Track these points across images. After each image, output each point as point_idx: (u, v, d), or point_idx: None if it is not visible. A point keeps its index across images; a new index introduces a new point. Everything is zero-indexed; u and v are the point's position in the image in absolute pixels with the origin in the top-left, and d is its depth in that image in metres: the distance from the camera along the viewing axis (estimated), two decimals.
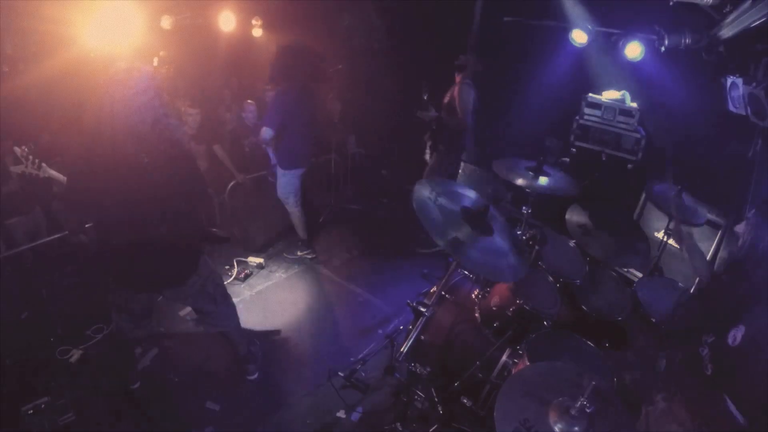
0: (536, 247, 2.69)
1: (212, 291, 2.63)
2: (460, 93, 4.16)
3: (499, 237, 2.21)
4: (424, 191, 2.19)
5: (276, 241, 4.67)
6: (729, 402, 1.45)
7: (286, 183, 4.07)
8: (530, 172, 2.91)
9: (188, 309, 3.53)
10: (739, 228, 1.79)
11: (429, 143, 4.50)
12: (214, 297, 2.65)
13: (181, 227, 2.30)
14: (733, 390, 1.51)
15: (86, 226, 2.31)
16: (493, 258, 2.12)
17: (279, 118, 3.72)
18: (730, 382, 1.54)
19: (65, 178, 2.34)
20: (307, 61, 3.77)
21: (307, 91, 3.84)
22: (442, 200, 2.19)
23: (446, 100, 4.25)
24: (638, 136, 3.99)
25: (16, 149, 2.26)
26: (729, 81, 3.13)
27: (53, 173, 2.36)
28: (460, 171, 4.73)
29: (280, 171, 4.05)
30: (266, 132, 3.71)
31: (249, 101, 5.09)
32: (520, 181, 2.90)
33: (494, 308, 2.65)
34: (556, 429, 1.54)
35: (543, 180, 2.91)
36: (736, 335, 1.54)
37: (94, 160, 2.07)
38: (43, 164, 2.31)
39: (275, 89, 3.91)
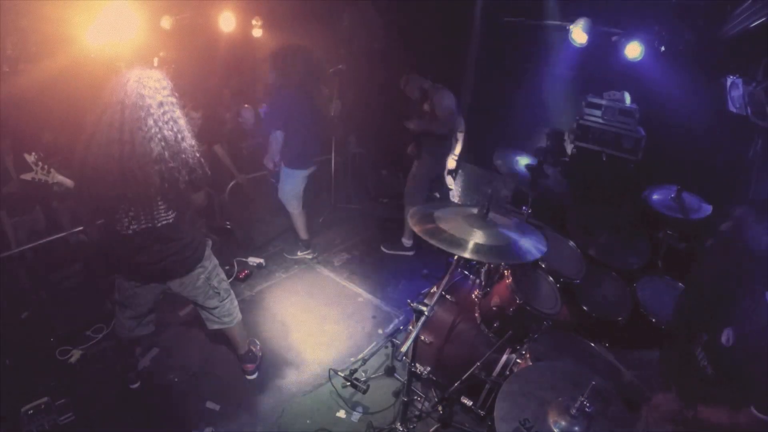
0: None
1: (216, 285, 2.65)
2: (439, 99, 4.07)
3: (505, 228, 2.23)
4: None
5: (276, 241, 4.67)
6: (753, 409, 1.44)
7: (291, 183, 4.05)
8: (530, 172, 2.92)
9: (188, 309, 3.53)
10: (725, 226, 1.76)
11: (414, 153, 4.42)
12: (218, 291, 2.67)
13: (187, 215, 2.37)
14: (739, 391, 1.50)
15: (97, 222, 2.36)
16: (507, 244, 2.13)
17: (281, 118, 3.72)
18: (734, 382, 1.53)
19: (72, 183, 2.37)
20: (303, 60, 3.76)
21: (306, 90, 3.83)
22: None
23: (426, 108, 4.14)
24: (638, 136, 3.99)
25: (27, 156, 2.29)
26: (729, 81, 3.13)
27: (62, 178, 2.39)
28: (448, 173, 4.70)
29: (285, 171, 4.01)
30: (277, 135, 3.72)
31: (246, 106, 5.09)
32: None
33: (494, 308, 2.66)
34: (556, 429, 1.54)
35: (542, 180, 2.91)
36: (729, 335, 1.54)
37: (103, 162, 2.09)
38: (52, 170, 2.35)
39: (273, 92, 3.89)
